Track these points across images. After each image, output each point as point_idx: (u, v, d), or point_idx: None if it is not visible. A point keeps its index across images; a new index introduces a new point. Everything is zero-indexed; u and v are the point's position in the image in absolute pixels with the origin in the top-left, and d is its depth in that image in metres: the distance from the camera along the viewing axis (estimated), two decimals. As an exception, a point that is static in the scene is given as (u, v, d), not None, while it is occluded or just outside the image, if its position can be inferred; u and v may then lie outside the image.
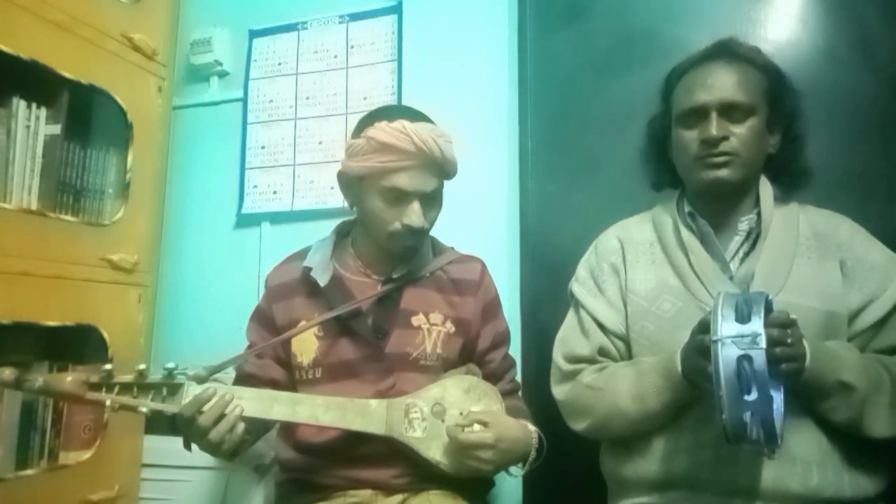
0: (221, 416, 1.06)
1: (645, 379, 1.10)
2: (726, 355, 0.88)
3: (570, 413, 1.20)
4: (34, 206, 1.48)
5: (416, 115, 1.22)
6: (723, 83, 1.13)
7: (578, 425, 1.19)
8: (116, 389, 1.07)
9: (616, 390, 1.12)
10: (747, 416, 0.89)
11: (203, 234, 2.00)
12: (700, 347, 0.98)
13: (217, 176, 2.02)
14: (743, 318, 0.90)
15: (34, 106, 1.50)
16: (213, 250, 1.98)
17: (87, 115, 1.65)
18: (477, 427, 1.15)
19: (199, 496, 1.68)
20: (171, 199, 2.02)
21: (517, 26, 1.82)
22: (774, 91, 1.16)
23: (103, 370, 1.07)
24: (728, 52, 1.17)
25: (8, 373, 1.02)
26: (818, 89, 1.32)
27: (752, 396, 0.87)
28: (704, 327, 0.97)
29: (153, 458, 1.70)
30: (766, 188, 1.18)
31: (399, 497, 1.19)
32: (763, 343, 0.87)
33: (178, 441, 1.71)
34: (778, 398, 0.96)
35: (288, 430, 1.26)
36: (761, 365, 0.87)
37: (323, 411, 1.14)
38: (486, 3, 1.75)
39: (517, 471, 1.24)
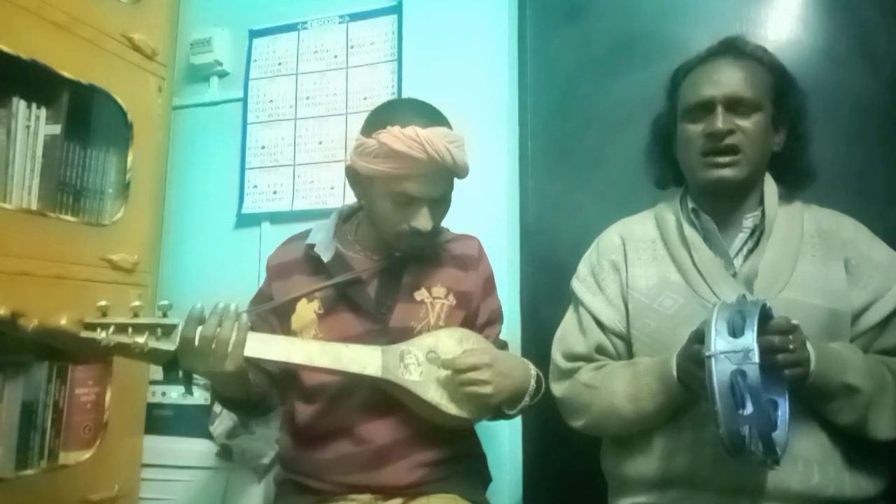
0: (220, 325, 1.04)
1: (641, 380, 1.10)
2: (720, 370, 0.89)
3: (568, 411, 1.21)
4: (34, 206, 1.48)
5: (428, 118, 1.17)
6: (729, 78, 1.13)
7: (575, 423, 1.20)
8: (111, 329, 1.04)
9: (612, 390, 1.13)
10: (744, 430, 0.89)
11: (203, 234, 2.01)
12: (695, 357, 0.98)
13: (217, 176, 2.02)
14: (736, 331, 0.90)
15: (34, 106, 1.50)
16: (213, 250, 1.98)
17: (87, 115, 1.65)
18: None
19: (199, 496, 1.68)
20: (171, 199, 2.02)
21: (517, 26, 1.82)
22: (780, 89, 1.17)
23: (98, 307, 1.04)
24: (735, 49, 1.18)
25: (2, 311, 0.99)
26: (818, 89, 1.32)
27: (748, 411, 0.87)
28: (700, 336, 0.97)
29: (153, 458, 1.70)
30: (770, 186, 1.18)
31: (398, 501, 1.18)
32: (755, 358, 0.87)
33: (177, 441, 1.71)
34: (783, 406, 0.96)
35: (289, 424, 1.26)
36: (755, 380, 0.87)
37: (318, 354, 1.13)
38: (486, 3, 1.75)
39: (525, 400, 1.21)
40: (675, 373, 1.04)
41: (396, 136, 1.13)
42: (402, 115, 1.17)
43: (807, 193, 1.22)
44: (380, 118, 1.19)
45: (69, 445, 1.52)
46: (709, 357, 0.90)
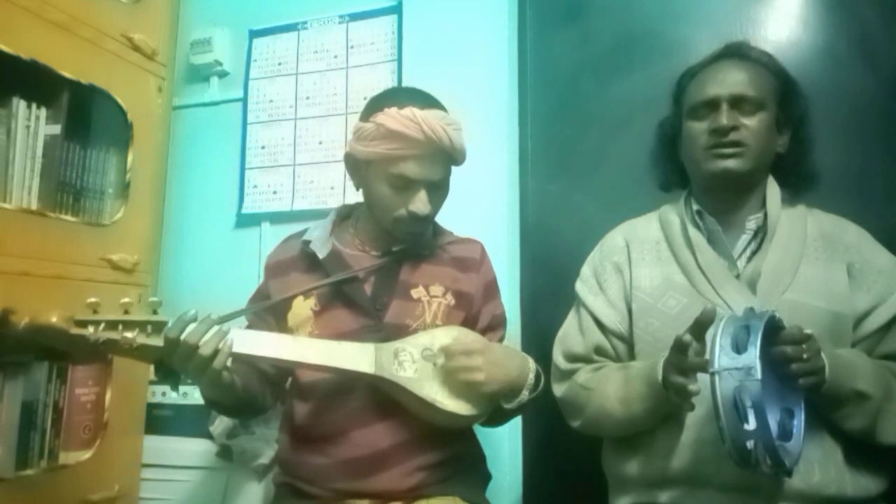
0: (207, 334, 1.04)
1: (630, 384, 1.11)
2: (723, 387, 0.90)
3: (567, 410, 1.24)
4: (34, 206, 1.48)
5: (425, 101, 1.19)
6: (734, 78, 1.16)
7: (574, 422, 1.22)
8: (102, 326, 1.05)
9: (605, 392, 1.15)
10: (750, 444, 0.90)
11: (203, 234, 2.01)
12: (679, 367, 0.99)
13: (217, 176, 2.02)
14: (740, 347, 0.91)
15: (34, 106, 1.50)
16: (213, 250, 1.98)
17: (87, 115, 1.64)
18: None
19: (199, 496, 1.68)
20: (171, 199, 2.02)
21: (517, 26, 1.82)
22: (784, 92, 1.19)
23: (88, 303, 1.05)
24: (740, 53, 1.21)
25: None
26: (818, 89, 1.32)
27: (751, 426, 0.88)
28: (679, 346, 0.98)
29: (153, 458, 1.70)
30: (773, 188, 1.19)
31: None
32: (758, 374, 0.88)
33: (177, 441, 1.71)
34: (799, 415, 0.97)
35: (288, 424, 1.26)
36: (757, 396, 0.87)
37: (310, 351, 1.13)
38: (486, 3, 1.76)
39: (522, 396, 1.18)
40: (660, 378, 1.05)
41: (393, 117, 1.14)
42: (399, 99, 1.18)
43: (806, 192, 1.22)
44: (378, 103, 1.20)
45: (69, 445, 1.52)
46: (713, 374, 0.91)
